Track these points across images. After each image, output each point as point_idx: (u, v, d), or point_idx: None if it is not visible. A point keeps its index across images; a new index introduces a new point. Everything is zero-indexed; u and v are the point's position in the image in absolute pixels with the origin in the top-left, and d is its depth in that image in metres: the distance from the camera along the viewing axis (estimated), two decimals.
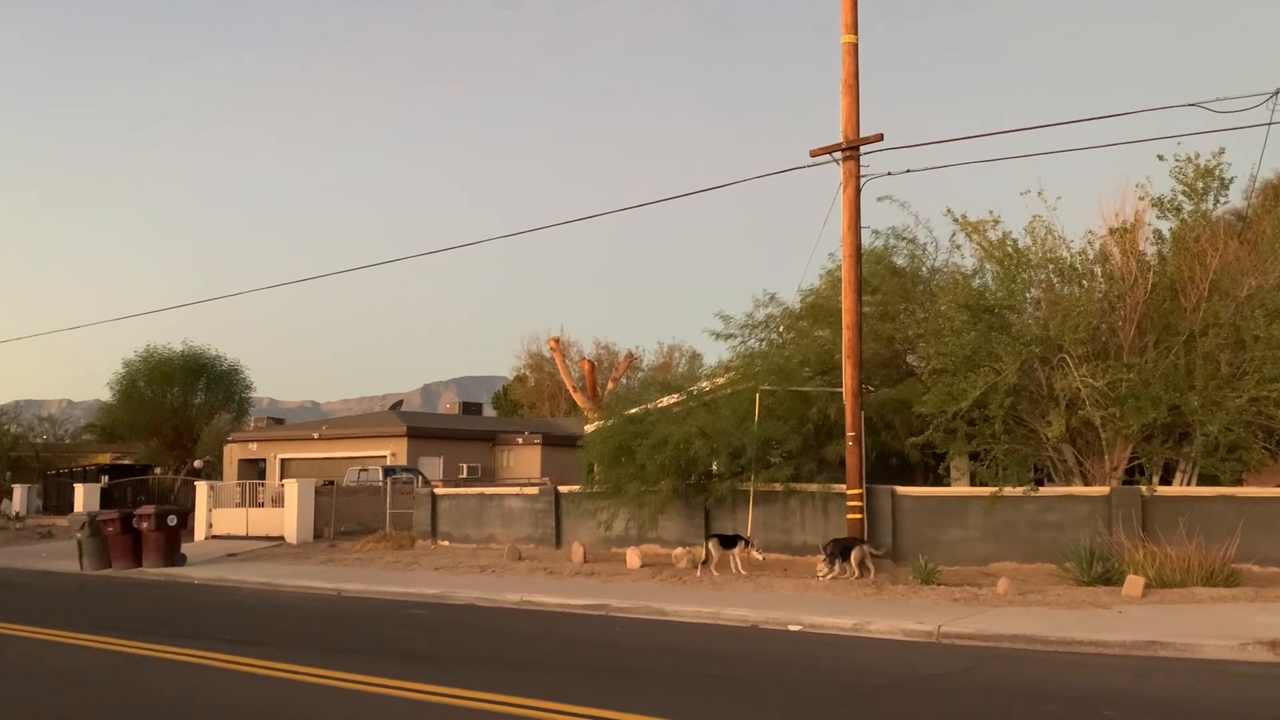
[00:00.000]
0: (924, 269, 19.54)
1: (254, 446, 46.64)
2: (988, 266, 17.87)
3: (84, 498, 33.30)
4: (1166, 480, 16.47)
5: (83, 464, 51.18)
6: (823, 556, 15.88)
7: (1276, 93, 13.34)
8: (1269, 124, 13.62)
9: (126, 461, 50.09)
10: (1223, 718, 7.49)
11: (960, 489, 17.80)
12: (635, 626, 12.57)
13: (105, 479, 40.22)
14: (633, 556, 18.23)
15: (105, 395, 52.83)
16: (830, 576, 15.37)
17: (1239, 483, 15.65)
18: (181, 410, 48.92)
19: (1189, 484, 16.26)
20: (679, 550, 18.25)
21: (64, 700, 8.60)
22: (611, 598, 14.15)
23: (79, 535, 22.00)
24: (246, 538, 26.54)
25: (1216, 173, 16.12)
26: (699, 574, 16.53)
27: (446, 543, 23.40)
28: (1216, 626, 10.43)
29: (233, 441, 47.35)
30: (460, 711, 7.70)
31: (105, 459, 52.73)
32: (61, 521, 33.27)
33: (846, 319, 16.48)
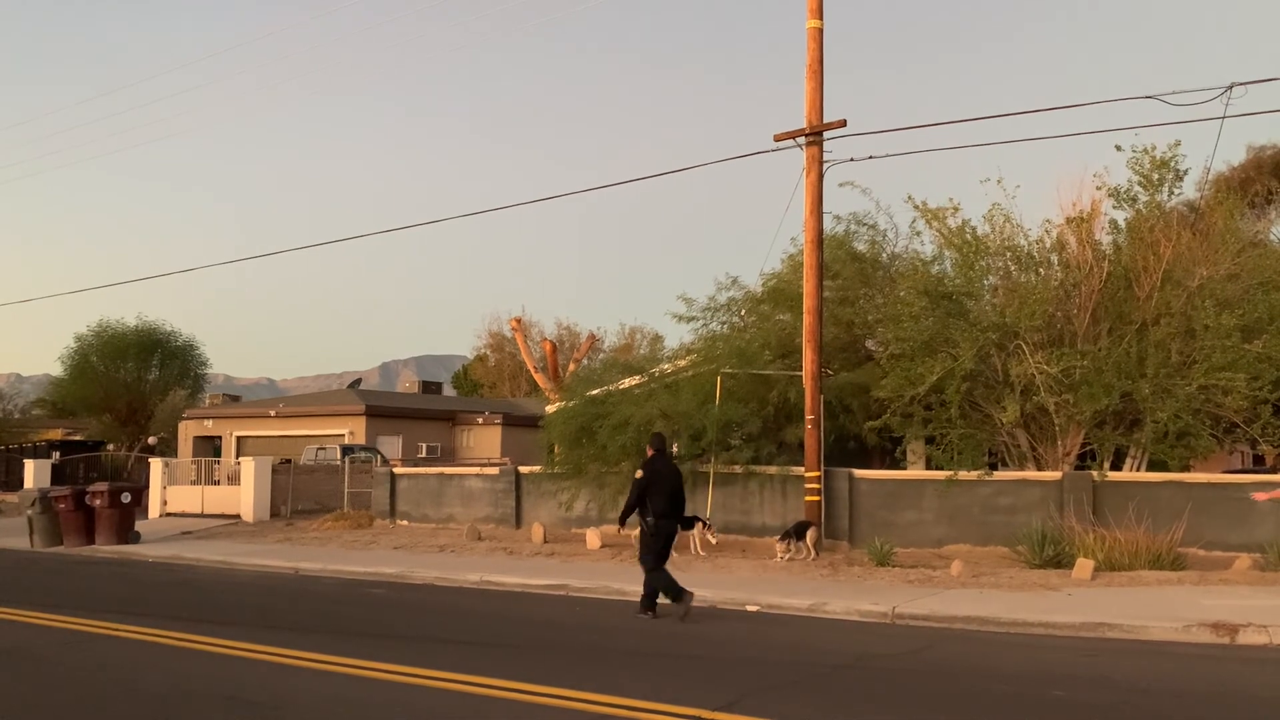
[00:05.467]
0: (884, 255, 19.70)
1: (209, 424, 46.08)
2: (947, 253, 18.06)
3: (35, 474, 32.71)
4: (1117, 466, 16.80)
5: (33, 439, 50.34)
6: (778, 538, 16.06)
7: (1231, 87, 13.59)
8: (1223, 117, 13.88)
9: (78, 438, 49.32)
10: (1167, 696, 7.69)
11: (916, 473, 18.03)
12: (595, 606, 12.66)
13: (57, 455, 39.62)
14: (593, 537, 18.29)
15: (55, 369, 51.85)
16: (788, 558, 15.57)
17: (1187, 469, 15.99)
18: (135, 386, 48.13)
19: (1139, 470, 16.59)
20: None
21: (13, 677, 8.50)
22: (571, 578, 14.22)
23: (30, 512, 21.66)
24: (202, 515, 26.27)
25: (1171, 164, 16.37)
26: None
27: (405, 522, 23.32)
28: (1162, 609, 10.70)
29: (188, 418, 46.75)
30: (422, 691, 7.71)
31: (57, 435, 51.88)
32: (11, 498, 32.68)
33: (808, 303, 16.60)
